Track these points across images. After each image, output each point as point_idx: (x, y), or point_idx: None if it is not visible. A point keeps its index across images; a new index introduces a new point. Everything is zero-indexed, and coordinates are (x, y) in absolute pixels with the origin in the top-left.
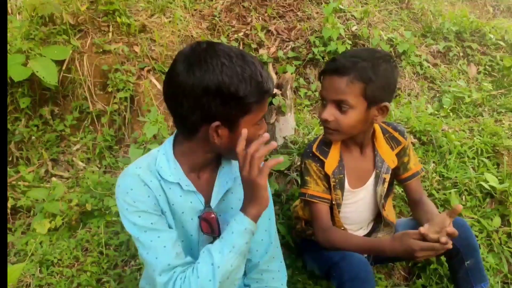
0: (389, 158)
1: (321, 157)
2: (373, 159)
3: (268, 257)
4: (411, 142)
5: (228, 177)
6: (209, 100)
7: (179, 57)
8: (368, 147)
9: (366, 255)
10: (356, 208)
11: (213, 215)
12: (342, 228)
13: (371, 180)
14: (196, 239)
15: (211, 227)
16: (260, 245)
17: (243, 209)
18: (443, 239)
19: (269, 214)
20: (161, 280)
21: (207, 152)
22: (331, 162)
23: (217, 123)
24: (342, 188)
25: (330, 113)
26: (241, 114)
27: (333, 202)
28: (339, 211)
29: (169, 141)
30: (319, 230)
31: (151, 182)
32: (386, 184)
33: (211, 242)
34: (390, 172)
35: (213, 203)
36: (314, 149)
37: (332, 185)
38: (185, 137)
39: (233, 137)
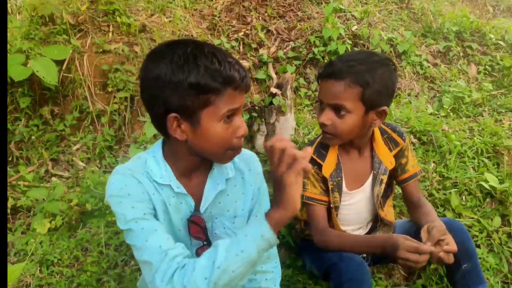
0: (386, 159)
1: (318, 160)
2: (370, 160)
3: (263, 259)
4: (412, 142)
5: (219, 179)
6: (162, 90)
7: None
8: (366, 149)
9: (363, 256)
10: (354, 209)
11: (201, 220)
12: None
13: (369, 181)
14: (188, 242)
15: (201, 231)
16: None
17: (266, 212)
18: (431, 248)
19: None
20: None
21: (190, 154)
22: (328, 165)
23: (173, 114)
24: (340, 190)
25: (328, 117)
26: (198, 106)
27: (331, 205)
28: (337, 214)
29: (158, 144)
30: (316, 232)
31: (144, 181)
32: (383, 185)
33: (201, 247)
34: (387, 173)
35: (202, 207)
36: (311, 152)
37: (330, 188)
38: (165, 137)
39: (197, 133)
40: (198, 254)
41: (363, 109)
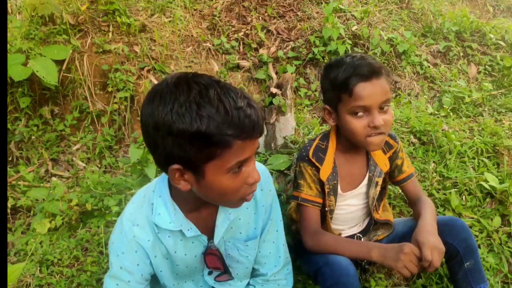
0: (381, 161)
1: (317, 163)
2: (366, 163)
3: (277, 270)
4: (412, 142)
5: (231, 209)
6: (162, 139)
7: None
8: (361, 151)
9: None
10: (347, 210)
11: (217, 251)
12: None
13: (364, 183)
14: (200, 268)
15: (218, 261)
16: (267, 258)
17: None
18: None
19: (276, 226)
20: None
21: (198, 197)
22: (326, 169)
23: (176, 166)
24: (335, 193)
25: (380, 117)
26: (202, 158)
27: (326, 209)
28: (331, 217)
29: (163, 181)
30: (309, 234)
31: (148, 243)
32: (378, 187)
33: (219, 275)
34: (382, 175)
35: (216, 239)
36: (310, 155)
37: (326, 191)
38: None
39: (202, 185)
40: (217, 281)
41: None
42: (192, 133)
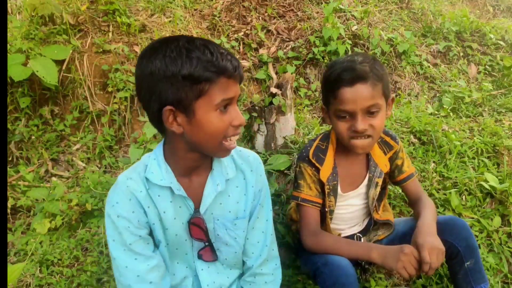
0: (382, 162)
1: (317, 164)
2: (366, 163)
3: (262, 260)
4: (412, 142)
5: (219, 180)
6: (156, 83)
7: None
8: None
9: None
10: (347, 210)
11: (202, 221)
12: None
13: (364, 184)
14: (190, 244)
15: (202, 232)
16: (256, 247)
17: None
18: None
19: (266, 215)
20: None
21: (189, 150)
22: (326, 169)
23: (169, 107)
24: (335, 194)
25: (365, 122)
26: (193, 96)
27: (326, 209)
28: (331, 218)
29: (159, 146)
30: (308, 234)
31: (140, 193)
32: (378, 188)
33: (202, 248)
34: (383, 176)
35: (202, 208)
36: (310, 156)
37: (326, 192)
38: (163, 135)
39: (193, 124)
40: (200, 256)
41: (385, 103)
42: (184, 73)
